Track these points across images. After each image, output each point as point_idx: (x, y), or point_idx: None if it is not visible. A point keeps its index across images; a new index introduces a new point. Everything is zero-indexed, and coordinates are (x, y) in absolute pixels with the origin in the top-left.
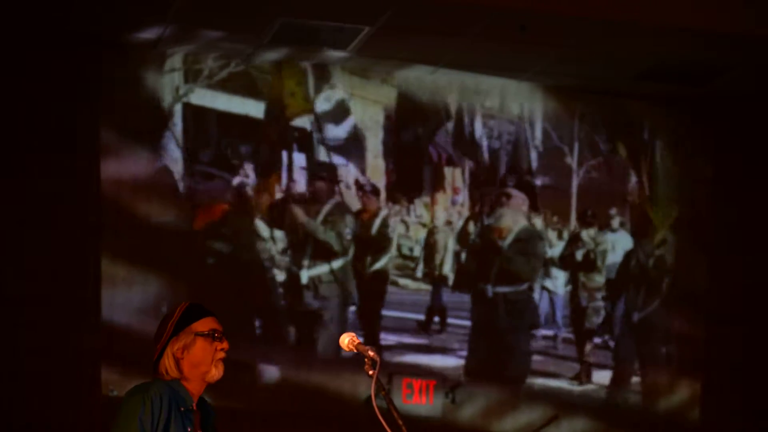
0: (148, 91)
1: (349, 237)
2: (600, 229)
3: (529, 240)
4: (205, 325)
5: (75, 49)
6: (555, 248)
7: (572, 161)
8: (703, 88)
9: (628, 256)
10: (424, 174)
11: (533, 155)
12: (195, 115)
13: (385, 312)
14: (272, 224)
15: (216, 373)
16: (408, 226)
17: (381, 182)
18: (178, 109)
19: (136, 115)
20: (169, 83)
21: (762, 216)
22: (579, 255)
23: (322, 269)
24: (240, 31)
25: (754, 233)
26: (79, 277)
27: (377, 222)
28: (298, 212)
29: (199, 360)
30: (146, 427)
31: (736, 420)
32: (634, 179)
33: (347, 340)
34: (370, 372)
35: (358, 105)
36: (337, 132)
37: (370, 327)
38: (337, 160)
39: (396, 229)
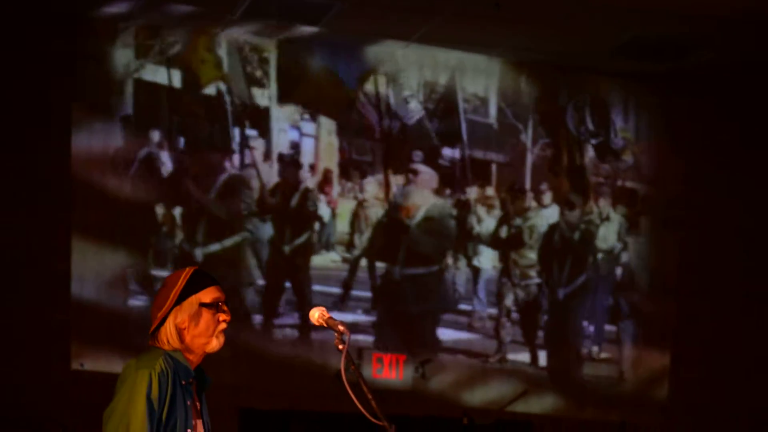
0: (113, 67)
1: (245, 212)
2: (540, 205)
3: (438, 218)
4: (209, 295)
5: (46, 25)
6: (484, 224)
7: (527, 139)
8: (675, 64)
9: (553, 229)
10: (371, 152)
11: (486, 131)
12: (146, 90)
13: (313, 287)
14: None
15: (217, 344)
16: (341, 204)
17: (335, 160)
18: (130, 83)
19: (105, 91)
20: (122, 58)
21: (729, 192)
22: (507, 231)
23: (215, 247)
24: (211, 5)
25: (725, 212)
26: (49, 251)
27: (296, 196)
28: (191, 187)
29: (201, 331)
30: (155, 405)
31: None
32: (592, 153)
33: (317, 314)
34: (340, 346)
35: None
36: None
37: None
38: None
39: (321, 204)
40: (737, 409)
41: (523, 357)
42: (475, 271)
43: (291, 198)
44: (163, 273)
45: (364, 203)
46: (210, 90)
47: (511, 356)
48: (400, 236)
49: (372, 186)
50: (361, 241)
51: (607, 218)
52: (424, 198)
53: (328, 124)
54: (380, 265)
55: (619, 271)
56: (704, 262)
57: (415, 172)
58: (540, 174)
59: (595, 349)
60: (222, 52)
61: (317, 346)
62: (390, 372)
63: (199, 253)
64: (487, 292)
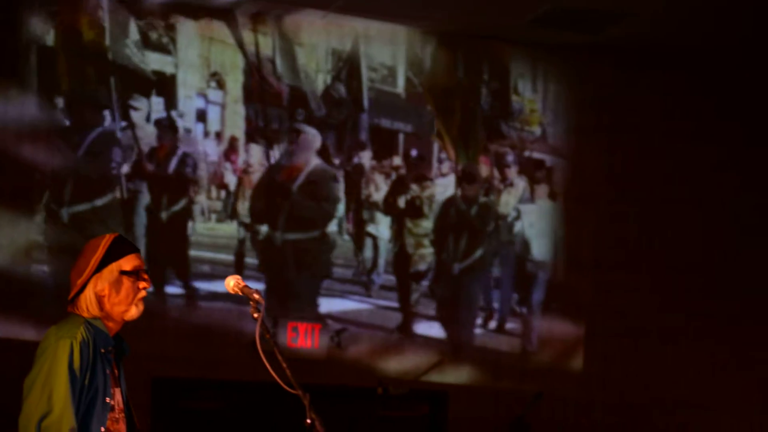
0: (30, 34)
1: (114, 172)
2: (441, 175)
3: (321, 182)
4: (129, 262)
5: None
6: (380, 192)
7: (433, 109)
8: (596, 37)
9: (450, 202)
10: (278, 119)
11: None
12: (49, 55)
13: (194, 252)
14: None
15: (136, 312)
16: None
17: (241, 128)
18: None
19: (16, 58)
20: (31, 24)
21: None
22: (404, 201)
23: (83, 206)
24: None
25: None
26: None
27: (174, 161)
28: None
29: (122, 299)
30: (77, 374)
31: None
32: (497, 123)
33: (233, 283)
34: (255, 315)
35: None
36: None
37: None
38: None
39: (227, 173)
40: (652, 380)
41: (425, 329)
42: (372, 240)
43: (168, 163)
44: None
45: (249, 169)
46: (108, 55)
47: (414, 328)
48: (281, 200)
49: (257, 151)
50: (244, 206)
51: (511, 185)
52: (307, 160)
53: (234, 91)
54: (264, 230)
55: (525, 241)
56: (620, 234)
57: (298, 133)
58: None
59: (495, 322)
60: (125, 18)
61: (234, 314)
62: (305, 341)
63: (65, 213)
64: (385, 262)
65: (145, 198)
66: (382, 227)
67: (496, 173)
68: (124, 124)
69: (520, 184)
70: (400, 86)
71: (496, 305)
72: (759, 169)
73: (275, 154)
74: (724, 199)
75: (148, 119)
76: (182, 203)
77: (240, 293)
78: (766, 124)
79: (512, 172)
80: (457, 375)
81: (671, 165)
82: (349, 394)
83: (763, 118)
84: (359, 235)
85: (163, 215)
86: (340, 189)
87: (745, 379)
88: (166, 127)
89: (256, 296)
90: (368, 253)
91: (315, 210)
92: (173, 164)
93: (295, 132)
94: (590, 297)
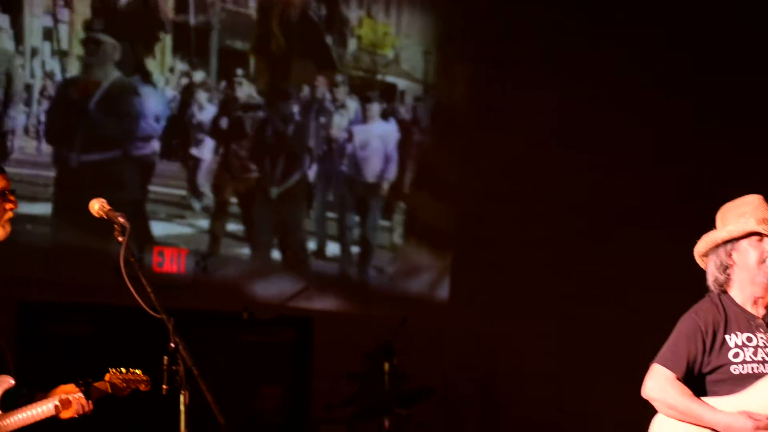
0: None
1: None
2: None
3: (120, 96)
4: None
5: None
6: (205, 112)
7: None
8: None
9: (266, 122)
10: None
11: None
12: None
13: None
14: None
15: (3, 233)
16: None
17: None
18: None
19: None
20: None
21: (514, 94)
22: (227, 122)
23: None
24: None
25: (507, 112)
26: None
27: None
28: None
29: None
30: None
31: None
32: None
33: (97, 206)
34: (120, 238)
35: None
36: None
37: None
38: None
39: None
40: (517, 308)
41: (235, 249)
42: (195, 162)
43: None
44: None
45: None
46: None
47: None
48: (76, 118)
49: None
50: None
51: (343, 106)
52: (106, 73)
53: (83, 10)
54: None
55: (357, 163)
56: (486, 164)
57: (98, 43)
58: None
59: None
60: None
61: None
62: (171, 265)
63: None
64: (210, 185)
65: None
66: (206, 149)
67: (328, 94)
68: None
69: (352, 105)
70: (252, 7)
71: (330, 230)
72: (621, 99)
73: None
74: (591, 133)
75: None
76: None
77: (105, 217)
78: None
79: (342, 93)
80: (324, 301)
81: (537, 97)
82: (215, 318)
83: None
84: (183, 157)
85: None
86: (161, 107)
87: (604, 311)
88: None
89: (121, 220)
90: (191, 176)
91: (114, 127)
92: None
93: (93, 42)
94: (455, 226)
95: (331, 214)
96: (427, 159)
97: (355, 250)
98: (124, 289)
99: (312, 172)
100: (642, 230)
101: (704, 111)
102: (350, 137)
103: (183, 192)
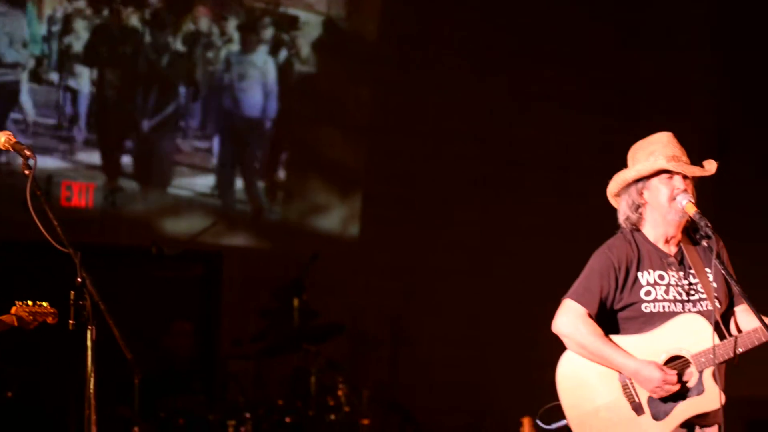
0: None
1: None
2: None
3: None
4: None
5: None
6: (82, 41)
7: None
8: None
9: (137, 51)
10: None
11: None
12: None
13: None
14: None
15: None
16: None
17: None
18: None
19: None
20: None
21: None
22: (107, 50)
23: None
24: None
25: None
26: None
27: None
28: None
29: None
30: None
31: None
32: None
33: (3, 139)
34: (26, 172)
35: None
36: None
37: None
38: None
39: None
40: (428, 245)
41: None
42: (73, 93)
43: None
44: None
45: None
46: None
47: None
48: None
49: None
50: None
51: (230, 40)
52: None
53: None
54: None
55: (235, 96)
56: (398, 99)
57: None
58: None
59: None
60: None
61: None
62: (79, 200)
63: None
64: (87, 116)
65: None
66: (83, 80)
67: (215, 28)
68: None
69: (235, 35)
70: None
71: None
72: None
73: None
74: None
75: None
76: None
77: (11, 149)
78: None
79: (231, 26)
80: (232, 237)
81: (451, 28)
82: (123, 253)
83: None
84: (58, 86)
85: None
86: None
87: (517, 245)
88: None
89: (27, 152)
90: (68, 107)
91: None
92: None
93: None
94: (365, 163)
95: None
96: (335, 94)
97: (260, 186)
98: (31, 223)
99: (193, 106)
100: (554, 170)
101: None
102: (228, 67)
103: (55, 121)
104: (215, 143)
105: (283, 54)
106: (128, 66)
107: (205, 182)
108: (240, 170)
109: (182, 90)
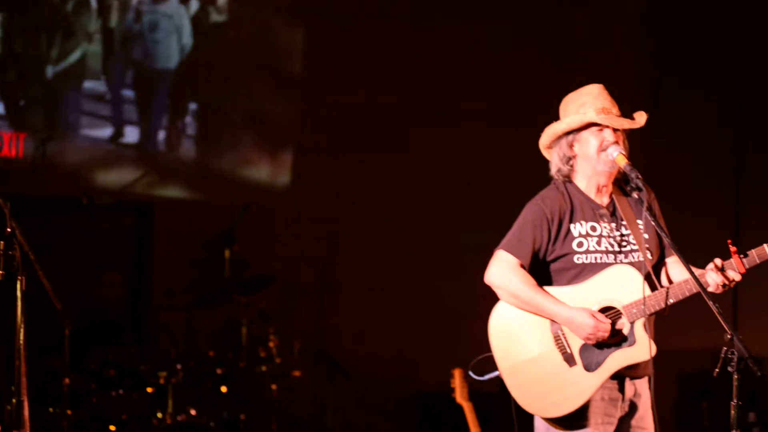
0: None
1: None
2: None
3: None
4: None
5: None
6: None
7: None
8: None
9: None
10: None
11: None
12: None
13: None
14: None
15: None
16: None
17: None
18: None
19: None
20: None
21: None
22: None
23: None
24: None
25: None
26: None
27: None
28: None
29: None
30: None
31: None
32: None
33: None
34: None
35: None
36: None
37: None
38: None
39: None
40: (358, 194)
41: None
42: None
43: None
44: None
45: None
46: None
47: None
48: None
49: None
50: None
51: None
52: None
53: None
54: None
55: (146, 46)
56: (331, 51)
57: None
58: None
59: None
60: None
61: None
62: (9, 150)
63: None
64: None
65: None
66: None
67: None
68: None
69: None
70: None
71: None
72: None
73: None
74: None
75: None
76: None
77: None
78: None
79: None
80: (165, 189)
81: None
82: (53, 204)
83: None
84: None
85: None
86: None
87: (444, 194)
88: None
89: None
90: None
91: None
92: None
93: None
94: (297, 113)
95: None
96: (267, 45)
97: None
98: None
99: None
100: (483, 120)
101: None
102: (139, 17)
103: None
104: (129, 94)
105: (195, 4)
106: (32, 12)
107: (131, 134)
108: (164, 121)
109: (92, 38)
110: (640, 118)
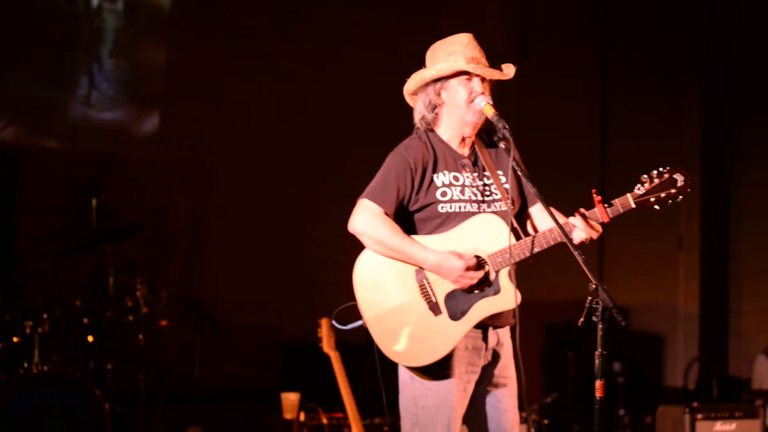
0: None
1: None
2: None
3: None
4: None
5: None
6: None
7: None
8: None
9: None
10: None
11: None
12: None
13: None
14: None
15: None
16: None
17: None
18: None
19: None
20: None
21: None
22: None
23: None
24: None
25: None
26: None
27: None
28: None
29: None
30: None
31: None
32: None
33: None
34: None
35: None
36: None
37: None
38: None
39: None
40: (229, 140)
41: None
42: None
43: None
44: None
45: None
46: None
47: None
48: None
49: None
50: None
51: None
52: None
53: None
54: None
55: None
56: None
57: None
58: None
59: None
60: None
61: None
62: None
63: None
64: None
65: None
66: None
67: None
68: None
69: None
70: None
71: None
72: None
73: None
74: None
75: None
76: None
77: None
78: None
79: None
80: (30, 136)
81: None
82: None
83: None
84: None
85: None
86: None
87: (317, 132)
88: None
89: None
90: None
91: None
92: None
93: None
94: (166, 57)
95: None
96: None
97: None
98: None
99: None
100: (336, 67)
101: None
102: None
103: None
104: None
105: None
106: None
107: None
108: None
109: None
110: (509, 70)
